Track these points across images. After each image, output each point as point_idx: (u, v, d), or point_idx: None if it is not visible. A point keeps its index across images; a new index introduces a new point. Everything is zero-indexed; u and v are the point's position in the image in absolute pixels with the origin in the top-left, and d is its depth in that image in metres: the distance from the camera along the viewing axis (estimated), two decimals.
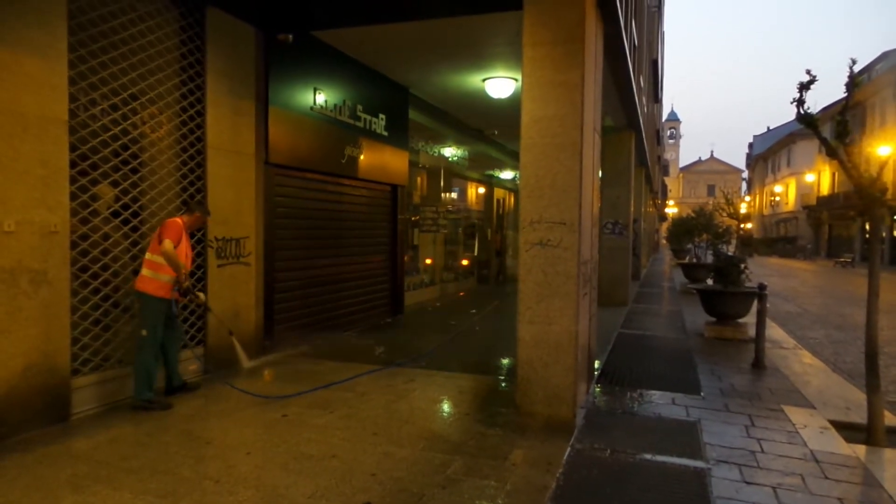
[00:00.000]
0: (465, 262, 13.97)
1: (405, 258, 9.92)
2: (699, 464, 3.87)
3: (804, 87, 4.92)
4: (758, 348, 6.75)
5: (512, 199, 18.53)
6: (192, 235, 5.15)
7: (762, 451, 4.10)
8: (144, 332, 4.64)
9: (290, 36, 6.38)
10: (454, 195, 13.89)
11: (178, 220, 4.81)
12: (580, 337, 4.73)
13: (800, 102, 4.97)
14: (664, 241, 42.98)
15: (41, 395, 4.09)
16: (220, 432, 4.18)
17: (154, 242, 4.69)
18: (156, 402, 4.66)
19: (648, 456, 3.97)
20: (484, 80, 8.74)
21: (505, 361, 6.58)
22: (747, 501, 3.36)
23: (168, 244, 4.58)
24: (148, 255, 4.70)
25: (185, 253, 4.80)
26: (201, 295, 5.23)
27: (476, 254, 14.69)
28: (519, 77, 8.88)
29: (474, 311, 10.50)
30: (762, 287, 6.91)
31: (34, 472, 3.46)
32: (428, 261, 12.14)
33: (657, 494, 3.41)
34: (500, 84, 8.75)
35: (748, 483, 3.61)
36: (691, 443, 4.25)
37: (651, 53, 17.49)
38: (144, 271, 4.68)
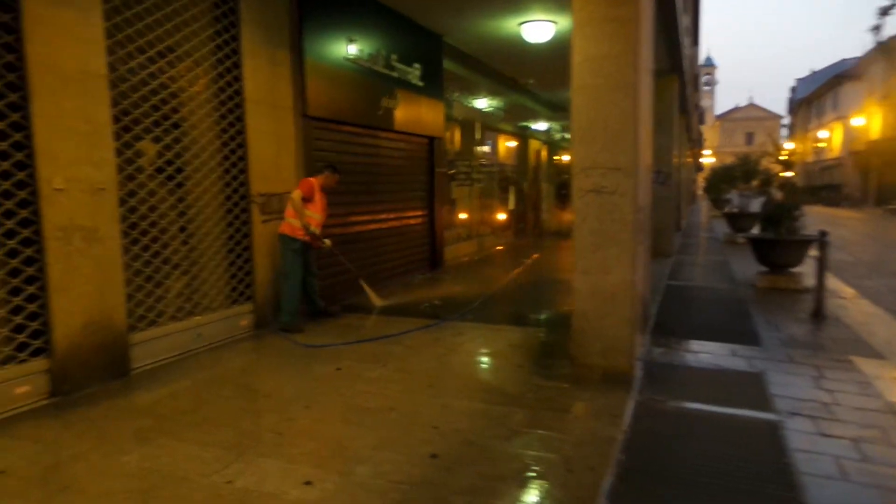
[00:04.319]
0: (501, 216, 13.76)
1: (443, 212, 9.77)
2: (770, 416, 3.71)
3: (885, 11, 4.49)
4: (818, 297, 6.46)
5: (546, 152, 18.10)
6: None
7: (836, 404, 3.92)
8: (285, 267, 5.62)
9: None
10: (488, 148, 13.57)
11: (311, 179, 5.76)
12: (637, 287, 4.56)
13: (878, 29, 4.56)
14: (701, 192, 41.80)
15: (101, 352, 4.13)
16: (276, 386, 4.19)
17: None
18: (292, 325, 5.60)
19: (715, 408, 3.83)
20: (520, 24, 8.34)
21: (551, 313, 6.45)
22: (828, 454, 3.21)
23: (296, 193, 5.53)
24: (287, 207, 5.65)
25: (320, 207, 5.78)
26: (327, 241, 5.95)
27: (512, 207, 14.45)
28: (558, 19, 8.46)
29: (514, 264, 10.35)
30: (823, 234, 6.57)
31: (100, 426, 3.50)
32: (465, 215, 11.98)
33: (731, 447, 3.28)
34: (537, 28, 8.35)
35: (825, 436, 3.45)
36: (758, 395, 4.09)
37: None
38: (284, 219, 5.64)
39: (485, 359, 4.92)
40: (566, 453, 3.13)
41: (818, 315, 6.43)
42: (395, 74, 7.73)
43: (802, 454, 3.22)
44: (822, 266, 6.52)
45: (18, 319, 3.77)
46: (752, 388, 4.21)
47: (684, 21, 11.53)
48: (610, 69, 4.32)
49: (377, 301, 6.53)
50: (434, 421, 3.55)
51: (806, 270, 8.62)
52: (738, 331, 5.82)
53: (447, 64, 9.36)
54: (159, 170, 4.72)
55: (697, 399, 4.00)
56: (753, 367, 4.70)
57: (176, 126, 4.82)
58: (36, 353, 3.86)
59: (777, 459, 3.17)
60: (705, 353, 5.12)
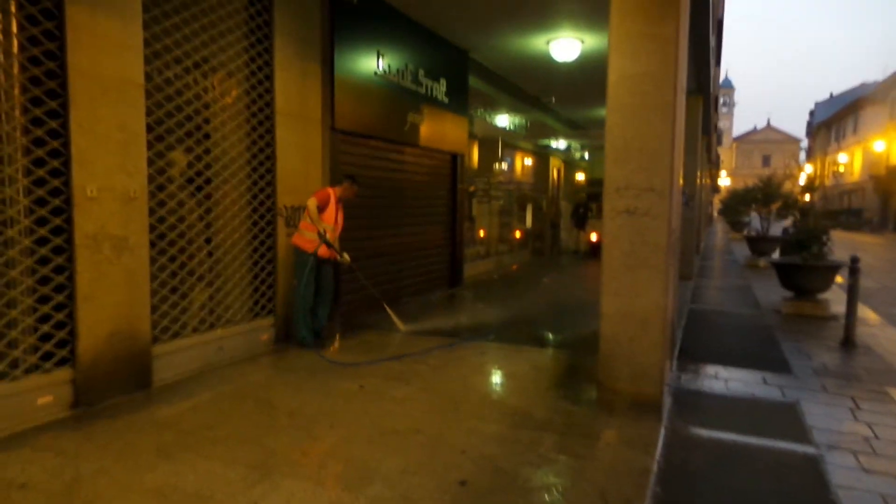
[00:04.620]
0: (519, 234, 13.68)
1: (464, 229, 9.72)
2: (809, 449, 3.58)
3: None
4: (848, 325, 6.31)
5: (564, 170, 18.02)
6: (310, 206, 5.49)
7: (876, 438, 3.78)
8: (296, 281, 5.43)
9: None
10: (508, 165, 13.53)
11: (328, 189, 5.56)
12: (668, 311, 4.45)
13: None
14: (717, 214, 41.43)
15: (125, 362, 4.10)
16: (300, 403, 4.12)
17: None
18: (309, 342, 5.46)
19: (751, 439, 3.71)
20: (548, 41, 8.34)
21: (574, 335, 6.34)
22: (873, 491, 3.08)
23: (311, 201, 5.32)
24: (303, 218, 5.48)
25: (333, 217, 5.52)
26: (346, 256, 5.74)
27: (531, 225, 14.37)
28: (585, 38, 8.46)
29: (534, 283, 10.26)
30: (855, 259, 6.42)
31: (124, 438, 3.45)
32: (483, 232, 11.92)
33: (770, 481, 3.16)
34: (565, 45, 8.34)
35: (868, 472, 3.32)
36: (794, 426, 3.96)
37: (716, 11, 16.48)
38: (298, 230, 5.49)
39: (510, 381, 4.83)
40: (600, 484, 3.03)
41: (848, 343, 6.27)
42: (421, 90, 7.74)
43: (845, 491, 3.10)
44: (853, 293, 6.37)
45: (45, 328, 3.74)
46: (787, 419, 4.09)
47: (711, 41, 11.47)
48: (648, 88, 4.25)
49: (401, 326, 6.25)
50: (462, 445, 3.46)
51: (831, 297, 8.44)
52: (766, 358, 5.68)
53: (471, 80, 9.37)
54: (189, 180, 4.71)
55: (731, 429, 3.88)
56: (787, 396, 4.57)
57: (207, 136, 4.83)
58: (60, 363, 3.83)
59: (820, 495, 3.05)
60: (735, 380, 4.99)
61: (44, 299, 3.73)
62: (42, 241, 3.69)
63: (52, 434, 3.50)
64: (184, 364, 4.65)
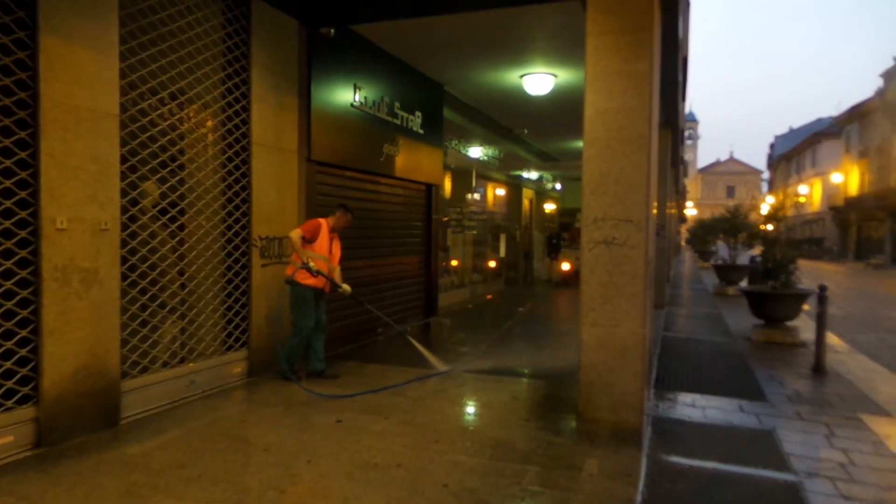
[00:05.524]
0: (493, 264, 13.74)
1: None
2: (788, 477, 3.61)
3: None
4: (818, 353, 6.44)
5: (537, 201, 18.28)
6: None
7: (852, 464, 3.83)
8: (292, 315, 5.34)
9: (332, 30, 6.21)
10: (482, 196, 13.67)
11: (320, 220, 5.45)
12: (647, 340, 4.49)
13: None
14: (684, 243, 42.36)
15: (91, 399, 3.93)
16: (276, 438, 4.00)
17: None
18: (291, 375, 5.25)
19: (731, 467, 3.72)
20: (522, 76, 8.52)
21: (551, 365, 6.33)
22: None
23: (294, 232, 5.22)
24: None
25: (326, 248, 5.43)
26: (346, 286, 5.55)
27: (504, 255, 14.45)
28: (558, 73, 8.68)
29: (509, 312, 10.27)
30: (823, 288, 6.60)
31: (91, 480, 3.29)
32: (458, 262, 11.94)
33: None
34: (538, 80, 8.52)
35: (847, 498, 3.35)
36: (772, 453, 3.99)
37: (683, 50, 17.14)
38: (291, 262, 5.36)
39: (489, 412, 4.78)
40: None
41: (819, 370, 6.39)
42: (396, 122, 7.80)
43: None
44: (822, 321, 6.52)
45: (8, 365, 3.58)
46: (765, 446, 4.12)
47: (678, 78, 11.87)
48: (623, 122, 4.37)
49: (441, 366, 5.88)
50: (444, 479, 3.39)
51: (800, 324, 8.64)
52: (741, 385, 5.75)
53: (446, 112, 9.49)
54: (162, 211, 4.63)
55: (712, 457, 3.88)
56: (763, 423, 4.61)
57: (182, 167, 4.77)
58: (23, 401, 3.65)
59: None
60: (712, 408, 5.02)
61: (7, 334, 3.58)
62: (7, 274, 3.56)
63: (12, 477, 3.32)
64: (153, 400, 4.49)
